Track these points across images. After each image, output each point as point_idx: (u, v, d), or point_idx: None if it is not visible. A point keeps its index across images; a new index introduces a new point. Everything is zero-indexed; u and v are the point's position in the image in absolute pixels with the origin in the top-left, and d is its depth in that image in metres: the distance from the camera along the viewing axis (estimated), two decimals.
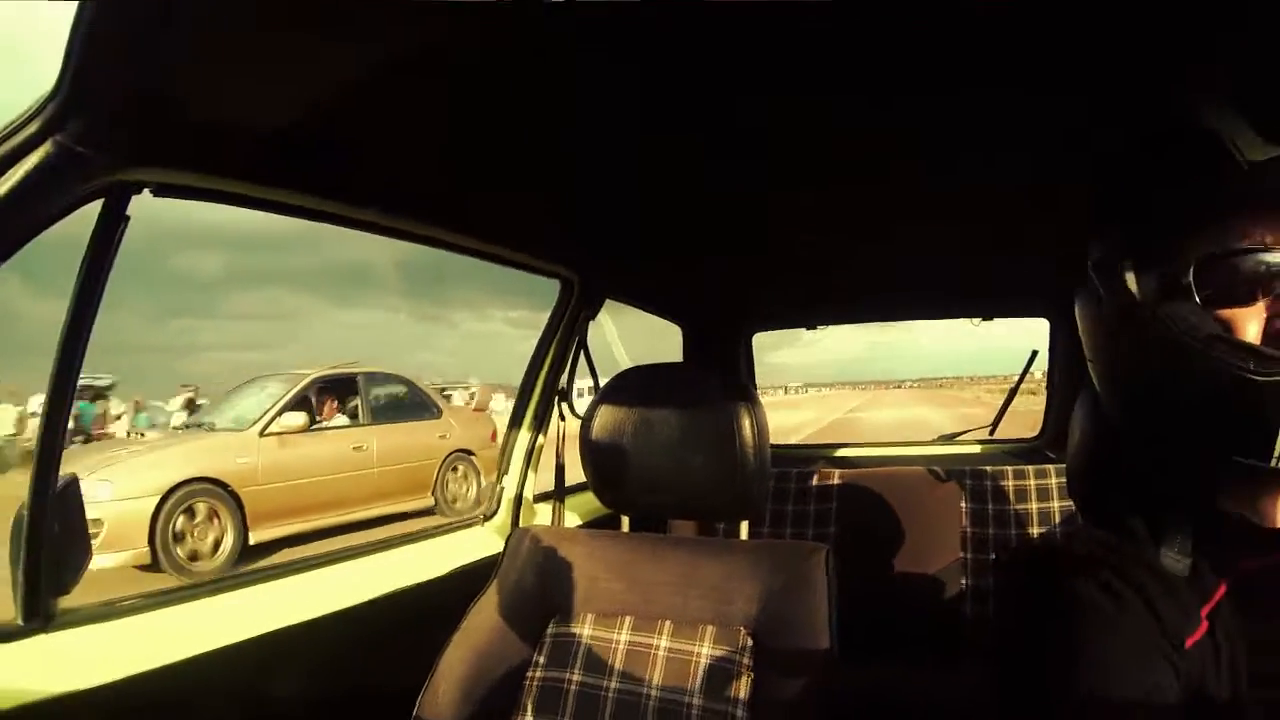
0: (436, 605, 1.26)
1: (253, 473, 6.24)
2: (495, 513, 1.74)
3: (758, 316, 2.69)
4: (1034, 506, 2.10)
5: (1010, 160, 1.19)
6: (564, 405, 1.78)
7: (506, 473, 1.75)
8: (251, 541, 6.17)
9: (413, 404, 7.76)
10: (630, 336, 2.06)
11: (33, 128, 0.69)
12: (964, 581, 2.05)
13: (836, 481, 2.27)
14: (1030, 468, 2.16)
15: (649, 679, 1.11)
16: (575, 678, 1.13)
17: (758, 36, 0.79)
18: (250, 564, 5.49)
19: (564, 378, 1.79)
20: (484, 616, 1.18)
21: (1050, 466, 2.15)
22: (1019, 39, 0.81)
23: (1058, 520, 2.06)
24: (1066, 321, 2.34)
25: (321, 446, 6.79)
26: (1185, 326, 0.56)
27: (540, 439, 1.78)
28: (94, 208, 0.81)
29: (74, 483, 0.93)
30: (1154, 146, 0.64)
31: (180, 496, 5.75)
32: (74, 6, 0.62)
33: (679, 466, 1.22)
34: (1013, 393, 2.59)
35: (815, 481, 2.29)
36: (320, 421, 6.98)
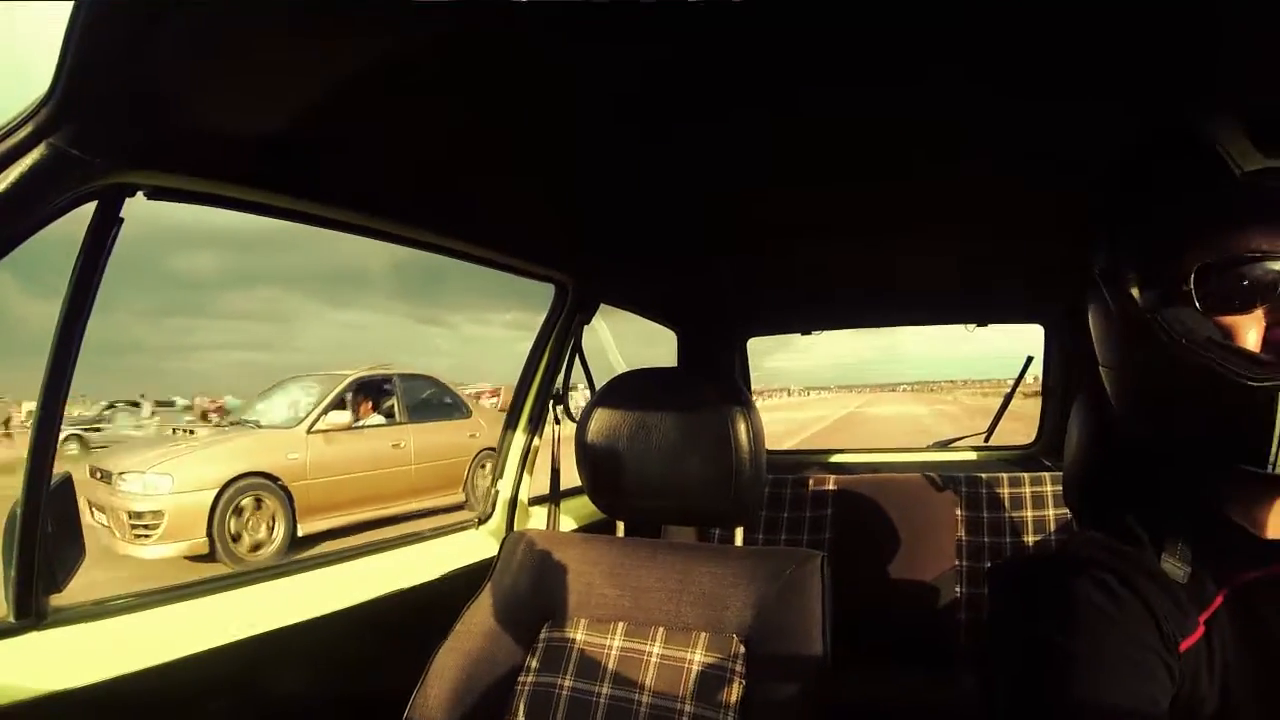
0: (430, 608, 1.26)
1: (302, 468, 6.52)
2: (490, 516, 1.74)
3: (753, 321, 2.69)
4: (1029, 514, 2.10)
5: (1006, 168, 1.20)
6: (559, 409, 1.78)
7: (501, 476, 1.75)
8: (300, 533, 6.44)
9: (445, 404, 7.95)
10: (625, 342, 2.07)
11: (26, 130, 0.69)
12: (958, 589, 2.05)
13: (831, 488, 2.27)
14: (1025, 475, 2.16)
15: (641, 685, 1.11)
16: (567, 683, 1.13)
17: (753, 41, 0.79)
18: (298, 553, 5.66)
19: (559, 382, 1.79)
20: (477, 620, 1.18)
21: (1045, 474, 2.15)
22: (1017, 48, 0.81)
23: (1053, 528, 2.06)
24: (1061, 328, 2.36)
25: (363, 444, 7.04)
26: (1184, 333, 0.57)
27: (535, 442, 1.78)
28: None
29: (68, 481, 0.93)
30: (1152, 156, 0.65)
31: (236, 490, 6.04)
32: (68, 10, 0.62)
33: (674, 472, 1.21)
34: (1007, 399, 2.60)
35: (810, 488, 2.28)
36: (358, 420, 7.23)
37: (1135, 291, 0.62)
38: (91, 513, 5.94)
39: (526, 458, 1.77)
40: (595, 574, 1.21)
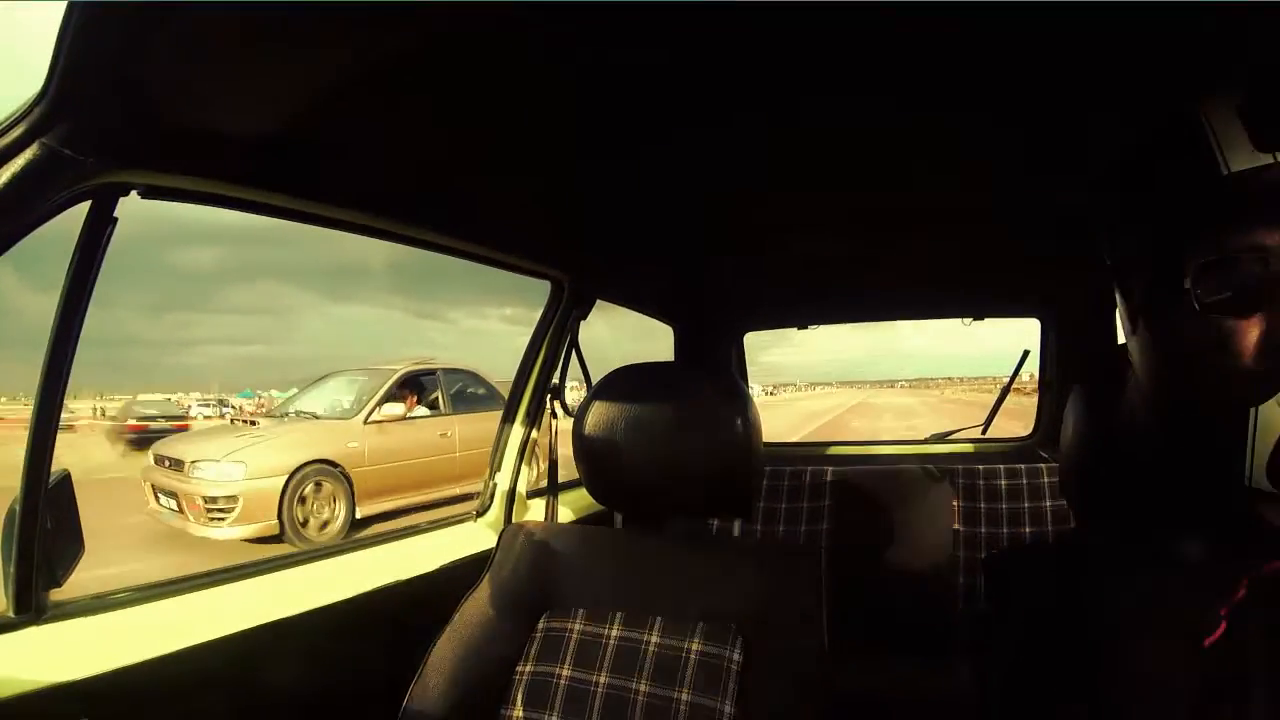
0: (428, 599, 1.27)
1: (360, 455, 7.07)
2: (488, 508, 1.75)
3: (749, 316, 2.69)
4: (1026, 505, 2.10)
5: (1003, 162, 1.20)
6: (556, 403, 1.79)
7: (499, 469, 1.76)
8: (358, 515, 6.96)
9: (484, 395, 8.22)
10: (622, 337, 2.07)
11: (20, 130, 0.69)
12: (956, 579, 2.06)
13: (829, 479, 2.27)
14: (1023, 466, 2.16)
15: (639, 674, 1.12)
16: (565, 672, 1.14)
17: (751, 39, 0.79)
18: (357, 534, 6.13)
19: (555, 376, 1.79)
20: (475, 610, 1.19)
21: (1042, 465, 2.16)
22: (1014, 47, 0.82)
23: (1049, 519, 2.06)
24: (1057, 321, 2.37)
25: (414, 433, 7.52)
26: (1176, 335, 0.57)
27: (533, 436, 1.79)
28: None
29: (67, 478, 0.94)
30: (1149, 154, 0.64)
31: (302, 476, 6.61)
32: (61, 8, 0.62)
33: (671, 464, 1.22)
34: (1004, 393, 2.60)
35: (808, 479, 2.29)
36: (408, 412, 7.73)
37: (1139, 290, 0.62)
38: (157, 498, 6.65)
39: (524, 451, 1.78)
40: (593, 564, 1.22)
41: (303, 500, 6.59)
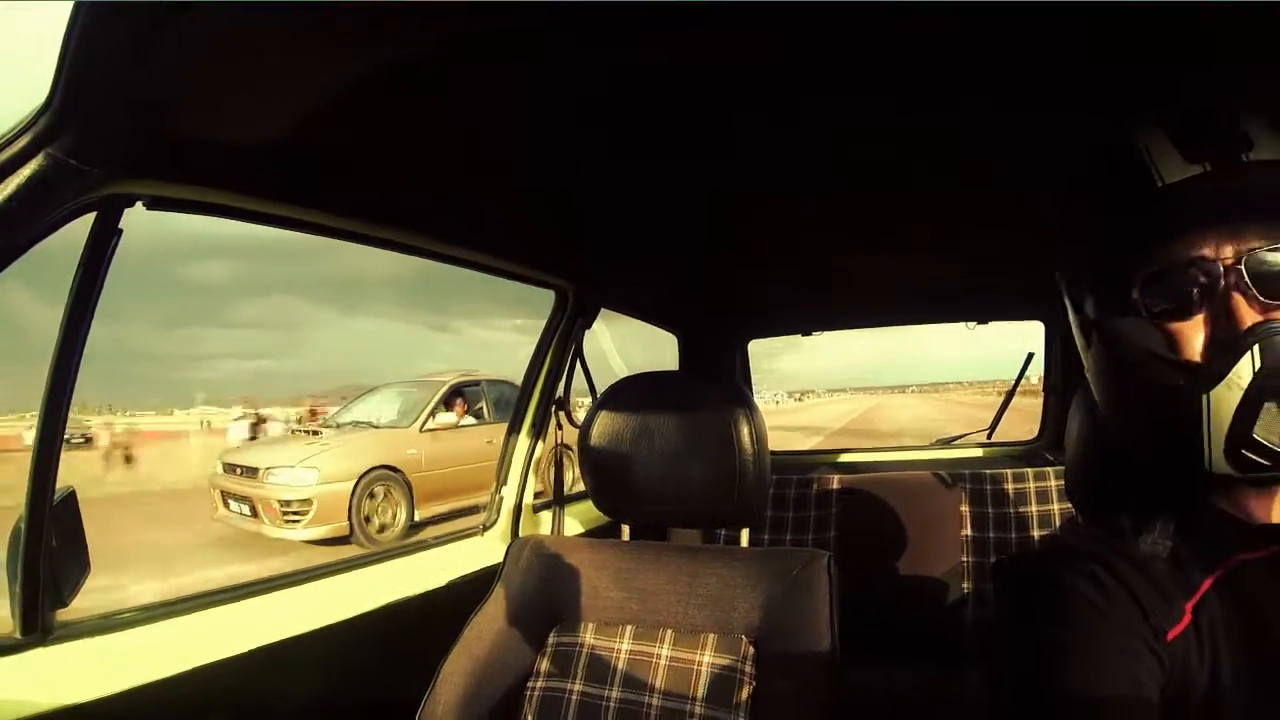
0: (437, 615, 1.25)
1: (418, 461, 7.56)
2: (495, 522, 1.74)
3: (753, 323, 2.69)
4: (1034, 509, 2.09)
5: (1006, 166, 1.20)
6: (562, 414, 1.78)
7: (505, 482, 1.75)
8: (417, 518, 7.47)
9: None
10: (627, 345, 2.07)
11: (25, 140, 0.69)
12: (965, 586, 2.05)
13: (836, 487, 2.27)
14: (1030, 470, 2.16)
15: (651, 688, 1.11)
16: (577, 687, 1.13)
17: (755, 47, 0.79)
18: (416, 535, 6.66)
19: (561, 387, 1.78)
20: (485, 625, 1.18)
21: (1049, 469, 2.15)
22: (1017, 52, 0.81)
23: (1058, 522, 2.05)
24: (1061, 324, 2.36)
25: (464, 440, 7.87)
26: (1127, 344, 0.62)
27: (539, 448, 1.78)
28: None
29: (72, 495, 0.92)
30: (1093, 172, 0.68)
31: (369, 480, 7.11)
32: (66, 19, 0.62)
33: (678, 474, 1.21)
34: (1008, 397, 2.59)
35: (815, 487, 2.28)
36: (458, 420, 8.21)
37: (1088, 303, 0.67)
38: (226, 504, 7.21)
39: (530, 463, 1.77)
40: (602, 577, 1.21)
41: (370, 501, 7.13)
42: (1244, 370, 0.54)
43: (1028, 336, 2.60)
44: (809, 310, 2.57)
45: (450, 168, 1.10)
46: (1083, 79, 0.86)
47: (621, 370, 1.95)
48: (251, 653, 1.09)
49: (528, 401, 1.76)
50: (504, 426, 1.74)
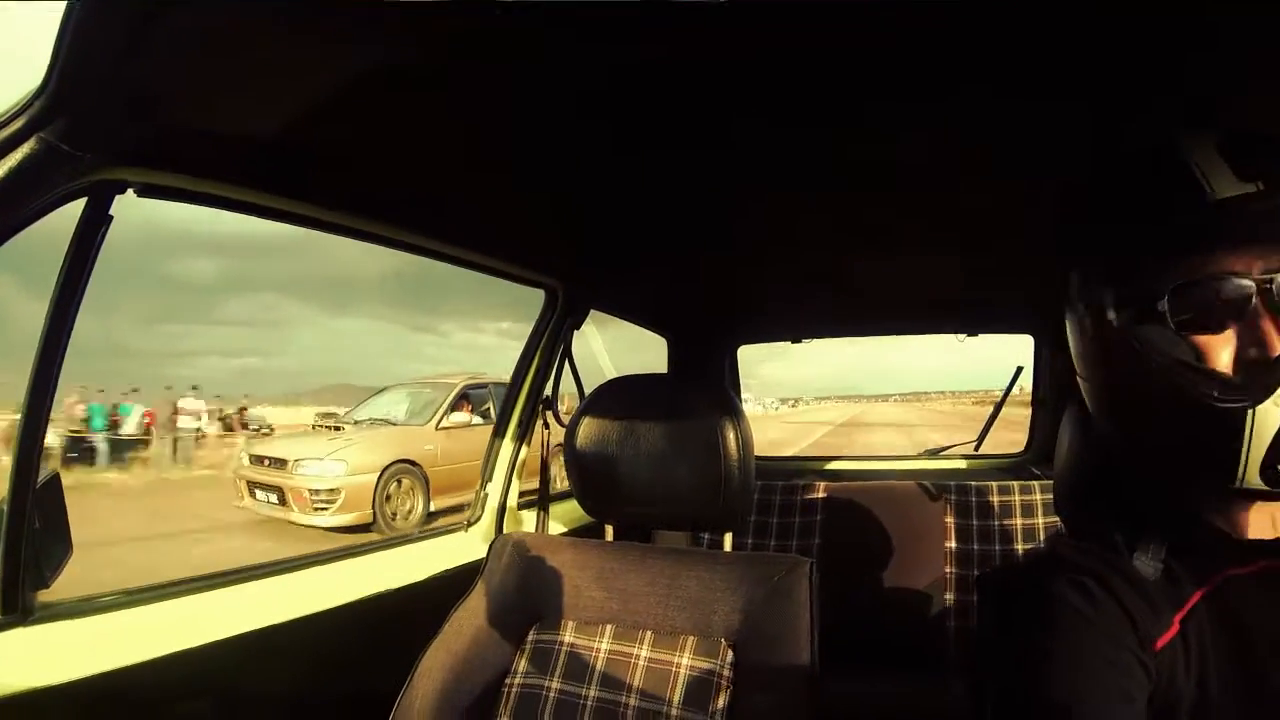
0: (418, 609, 1.25)
1: (434, 456, 8.24)
2: (479, 519, 1.74)
3: (744, 328, 2.69)
4: (1019, 522, 2.10)
5: (997, 180, 1.21)
6: (548, 414, 1.78)
7: (491, 480, 1.75)
8: (432, 508, 8.11)
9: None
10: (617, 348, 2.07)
11: (17, 124, 0.69)
12: (948, 597, 2.05)
13: (821, 494, 2.27)
14: (1015, 483, 2.17)
15: (628, 688, 1.11)
16: (554, 685, 1.13)
17: (750, 53, 0.80)
18: (432, 524, 7.31)
19: (548, 387, 1.79)
20: (465, 621, 1.18)
21: (1035, 483, 2.16)
22: (1009, 64, 0.82)
23: (1042, 536, 2.06)
24: (1051, 338, 2.37)
25: (475, 437, 8.22)
26: (1157, 352, 0.60)
27: (524, 447, 1.78)
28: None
29: (55, 479, 0.93)
30: (1127, 176, 0.66)
31: (391, 473, 7.83)
32: (62, 5, 0.62)
33: (663, 477, 1.22)
34: (996, 410, 2.61)
35: (800, 494, 2.29)
36: (470, 419, 8.83)
37: (1110, 310, 0.64)
38: (252, 493, 7.95)
39: (515, 462, 1.77)
40: (584, 577, 1.21)
41: (394, 489, 7.85)
42: None
43: (1004, 351, 2.62)
44: (800, 316, 2.57)
45: (442, 163, 1.11)
46: (1084, 75, 0.86)
47: (610, 372, 1.95)
48: (232, 639, 1.09)
49: (515, 401, 1.76)
50: None
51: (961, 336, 2.55)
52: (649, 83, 0.88)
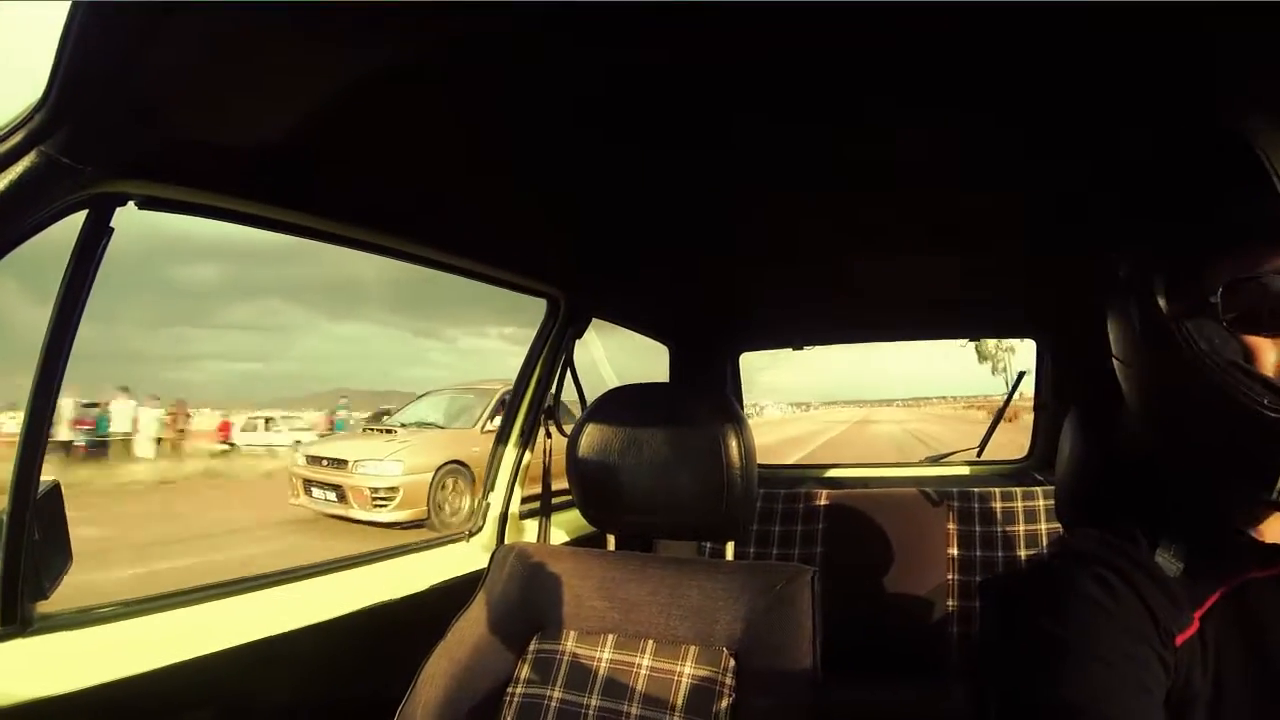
0: (420, 619, 1.25)
1: (481, 457, 8.18)
2: (481, 528, 1.74)
3: (745, 335, 2.69)
4: (1021, 529, 2.09)
5: (1001, 185, 1.21)
6: (550, 423, 1.78)
7: (493, 489, 1.75)
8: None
9: (562, 413, 9.52)
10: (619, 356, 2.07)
11: (18, 137, 0.69)
12: (950, 603, 2.05)
13: (823, 502, 2.26)
14: (1018, 489, 2.16)
15: (630, 697, 1.10)
16: (556, 694, 1.12)
17: (750, 53, 0.80)
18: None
19: (550, 396, 1.79)
20: (467, 630, 1.18)
21: (1038, 489, 2.15)
22: (1016, 66, 0.82)
23: (1044, 542, 2.05)
24: (1053, 342, 2.37)
25: None
26: (1207, 347, 0.57)
27: (526, 456, 1.78)
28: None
29: (56, 488, 0.93)
30: (1186, 159, 0.64)
31: (443, 472, 8.30)
32: (63, 17, 0.62)
33: (665, 486, 1.21)
34: (998, 415, 2.60)
35: (802, 502, 2.28)
36: None
37: (1160, 298, 0.62)
38: (308, 491, 8.51)
39: (517, 471, 1.77)
40: (586, 587, 1.21)
41: (442, 490, 8.27)
42: None
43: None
44: (801, 321, 2.56)
45: (444, 174, 1.11)
46: (1084, 76, 0.86)
47: (612, 380, 1.95)
48: (233, 650, 1.08)
49: (516, 410, 1.76)
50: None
51: (962, 342, 2.54)
52: (648, 84, 0.88)
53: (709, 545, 1.77)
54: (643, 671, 1.12)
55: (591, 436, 1.27)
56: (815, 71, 0.84)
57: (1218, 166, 0.60)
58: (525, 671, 1.16)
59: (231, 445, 16.49)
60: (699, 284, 1.99)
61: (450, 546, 1.69)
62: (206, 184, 0.94)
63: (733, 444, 1.19)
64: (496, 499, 1.75)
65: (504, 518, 1.75)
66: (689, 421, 1.22)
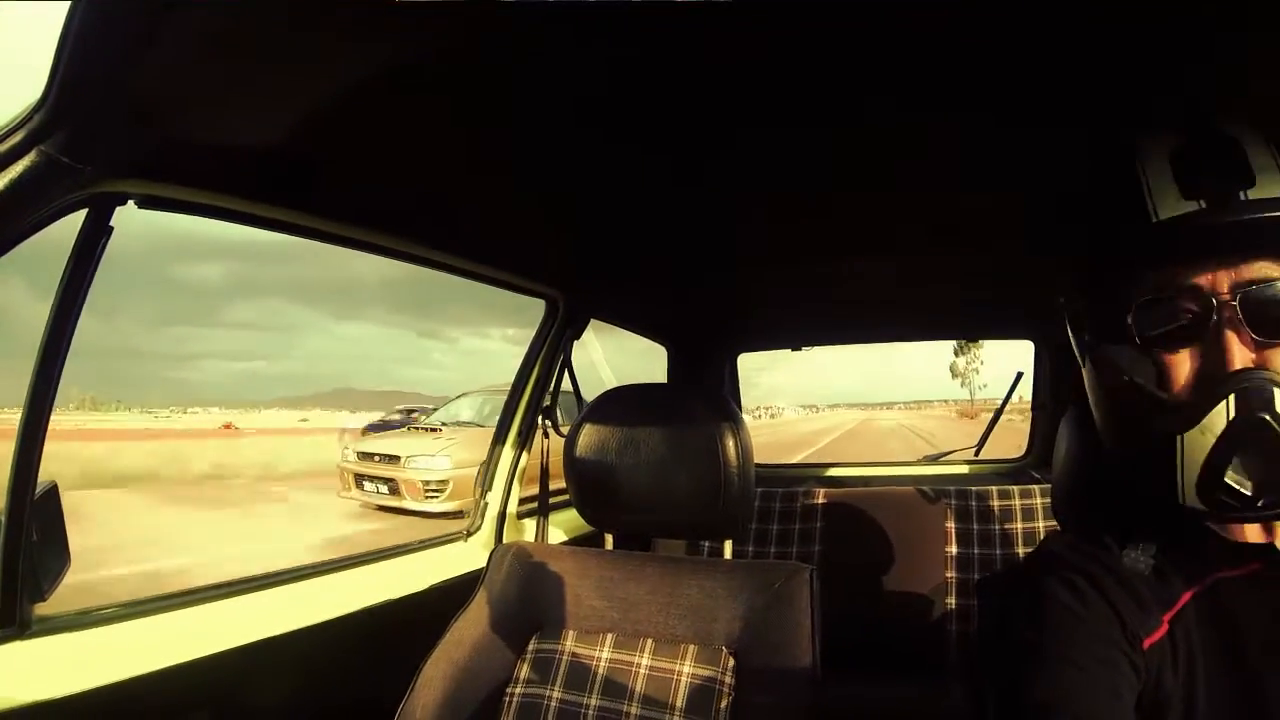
0: (418, 619, 1.25)
1: None
2: (479, 528, 1.73)
3: (744, 336, 2.69)
4: (1019, 526, 2.10)
5: (997, 187, 1.21)
6: (548, 423, 1.78)
7: (490, 489, 1.75)
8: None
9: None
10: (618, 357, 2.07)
11: (18, 137, 0.69)
12: (949, 602, 2.05)
13: (821, 501, 2.27)
14: (1015, 488, 2.16)
15: (630, 697, 1.11)
16: (556, 694, 1.13)
17: (749, 53, 0.80)
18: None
19: (548, 396, 1.79)
20: (466, 630, 1.18)
21: (1035, 487, 2.16)
22: (1010, 72, 0.82)
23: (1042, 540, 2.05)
24: (1051, 343, 2.37)
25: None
26: (1117, 371, 0.61)
27: (524, 455, 1.78)
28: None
29: (53, 490, 0.92)
30: (1096, 192, 0.67)
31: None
32: (62, 16, 0.62)
33: (663, 486, 1.22)
34: (997, 415, 2.60)
35: (800, 501, 2.28)
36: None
37: (1084, 324, 0.67)
38: (359, 484, 9.17)
39: (515, 471, 1.77)
40: (584, 586, 1.21)
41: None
42: (1218, 418, 0.55)
43: (995, 365, 2.68)
44: (799, 322, 2.56)
45: (443, 174, 1.11)
46: (1084, 77, 0.86)
47: (610, 381, 1.95)
48: (232, 651, 1.08)
49: (514, 410, 1.76)
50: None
51: (961, 342, 2.55)
52: (648, 85, 0.88)
53: (707, 544, 1.77)
54: (642, 671, 1.12)
55: (589, 436, 1.27)
56: (814, 71, 0.84)
57: (1116, 191, 0.63)
58: (524, 671, 1.16)
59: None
60: (697, 284, 1.98)
61: (449, 546, 1.69)
62: (206, 183, 0.94)
63: (730, 443, 1.19)
64: (494, 498, 1.75)
65: (502, 517, 1.75)
66: (686, 421, 1.22)
